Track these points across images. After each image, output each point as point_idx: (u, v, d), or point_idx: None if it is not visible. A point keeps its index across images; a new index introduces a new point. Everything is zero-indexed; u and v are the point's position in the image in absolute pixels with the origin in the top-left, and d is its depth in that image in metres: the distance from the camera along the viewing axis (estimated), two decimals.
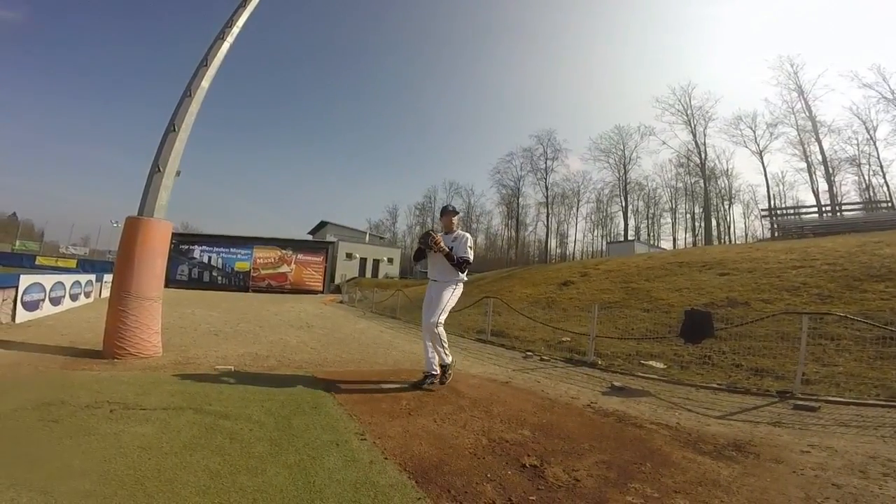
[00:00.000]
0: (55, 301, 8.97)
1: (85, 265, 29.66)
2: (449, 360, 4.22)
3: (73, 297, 10.33)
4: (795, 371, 4.85)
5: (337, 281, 33.31)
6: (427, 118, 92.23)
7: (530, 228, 54.97)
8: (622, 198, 48.43)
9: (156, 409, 3.08)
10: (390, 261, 40.66)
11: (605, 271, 13.73)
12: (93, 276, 12.79)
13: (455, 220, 4.39)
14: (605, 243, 46.93)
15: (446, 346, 4.18)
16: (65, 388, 3.47)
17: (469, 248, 4.21)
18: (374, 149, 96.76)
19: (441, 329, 4.12)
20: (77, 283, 10.77)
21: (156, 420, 2.84)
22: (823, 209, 30.42)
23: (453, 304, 4.25)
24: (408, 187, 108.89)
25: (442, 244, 4.14)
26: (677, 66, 71.85)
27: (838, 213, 27.44)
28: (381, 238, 52.64)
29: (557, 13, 77.51)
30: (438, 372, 4.31)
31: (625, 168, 47.79)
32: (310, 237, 45.04)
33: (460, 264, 4.15)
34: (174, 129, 5.70)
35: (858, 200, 34.44)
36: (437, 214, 4.55)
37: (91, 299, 12.01)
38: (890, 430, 3.51)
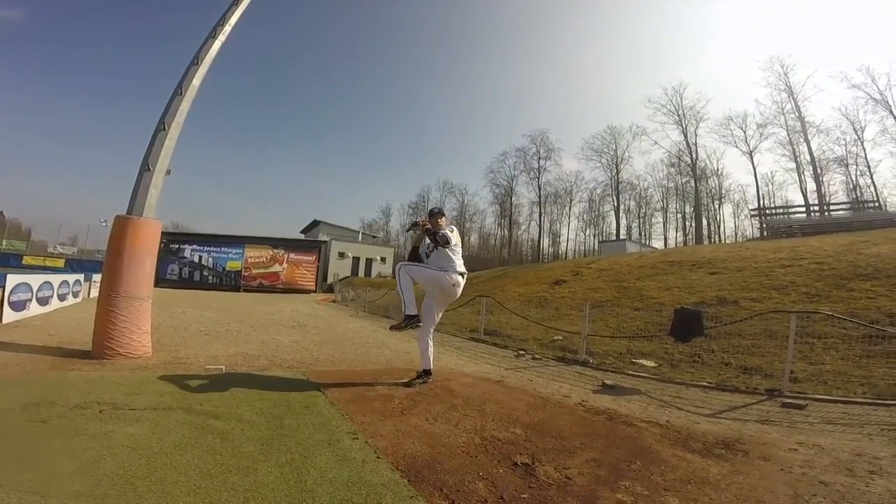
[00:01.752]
0: (43, 301, 8.86)
1: (73, 265, 29.28)
2: (410, 311, 4.14)
3: (62, 297, 10.21)
4: (783, 369, 4.91)
5: (329, 280, 33.14)
6: (421, 117, 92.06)
7: (523, 227, 55.34)
8: (614, 197, 48.87)
9: (146, 409, 3.06)
10: (383, 260, 40.52)
11: (597, 270, 13.81)
12: (81, 276, 12.64)
13: (442, 221, 4.40)
14: (597, 242, 47.22)
15: (404, 292, 4.17)
16: (53, 388, 3.44)
17: (448, 232, 4.24)
18: (367, 148, 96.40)
19: (403, 273, 4.21)
20: (65, 282, 10.65)
21: (146, 420, 2.82)
22: (812, 209, 30.85)
23: (430, 278, 4.27)
24: (401, 186, 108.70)
25: (427, 224, 4.34)
26: (669, 66, 72.21)
27: (826, 213, 27.84)
28: (374, 237, 52.48)
29: (552, 14, 77.73)
30: (431, 368, 4.40)
31: (617, 168, 48.26)
32: (302, 236, 44.80)
33: (434, 234, 4.18)
34: (164, 128, 5.64)
35: (846, 200, 34.93)
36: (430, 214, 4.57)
37: (79, 299, 11.87)
38: (876, 428, 3.57)
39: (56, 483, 1.92)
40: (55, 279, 9.88)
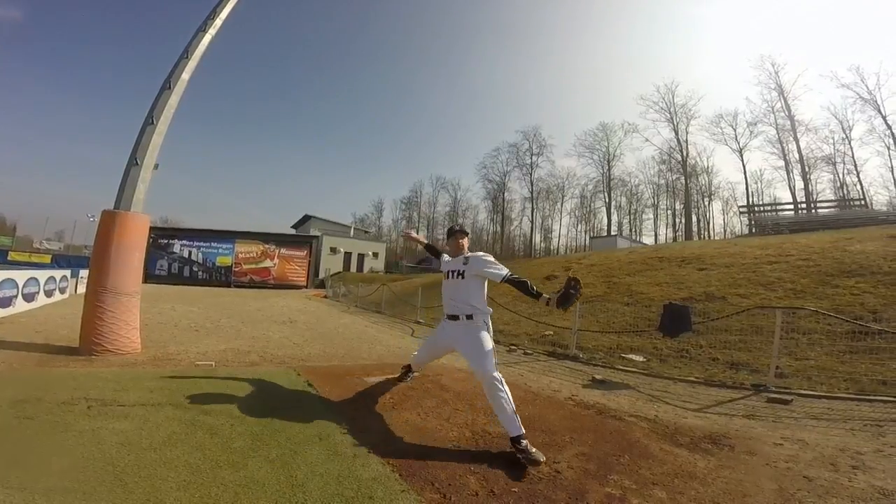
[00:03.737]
0: (28, 297, 8.73)
1: (60, 260, 28.82)
2: (520, 429, 2.67)
3: (48, 294, 10.07)
4: (769, 364, 4.98)
5: (321, 275, 32.99)
6: (414, 112, 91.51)
7: (515, 223, 55.60)
8: (605, 194, 49.18)
9: (134, 405, 3.04)
10: (375, 255, 40.34)
11: (588, 266, 13.86)
12: (68, 272, 12.47)
13: (464, 241, 3.49)
14: (588, 238, 47.54)
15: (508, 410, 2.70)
16: (40, 384, 3.40)
17: (497, 264, 3.25)
18: (359, 142, 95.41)
19: (500, 379, 2.79)
20: (52, 278, 10.50)
21: (134, 416, 2.81)
22: (799, 206, 31.24)
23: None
24: (394, 181, 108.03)
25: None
26: (663, 64, 72.68)
27: (813, 211, 28.19)
28: (367, 232, 52.21)
29: (545, 12, 77.59)
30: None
31: (608, 164, 48.61)
32: (293, 231, 44.51)
33: (518, 284, 3.11)
34: (152, 122, 5.59)
35: (833, 198, 35.39)
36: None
37: (66, 295, 11.71)
38: (858, 424, 3.64)
39: (44, 479, 1.91)
40: (41, 275, 9.75)
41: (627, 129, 47.05)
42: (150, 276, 23.31)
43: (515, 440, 2.60)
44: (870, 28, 53.77)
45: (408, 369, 4.25)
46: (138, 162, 5.42)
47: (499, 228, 54.97)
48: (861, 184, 36.50)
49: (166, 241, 27.13)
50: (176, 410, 2.99)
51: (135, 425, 2.65)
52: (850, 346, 5.32)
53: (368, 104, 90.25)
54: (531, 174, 51.13)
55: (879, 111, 34.44)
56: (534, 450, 2.53)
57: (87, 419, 2.69)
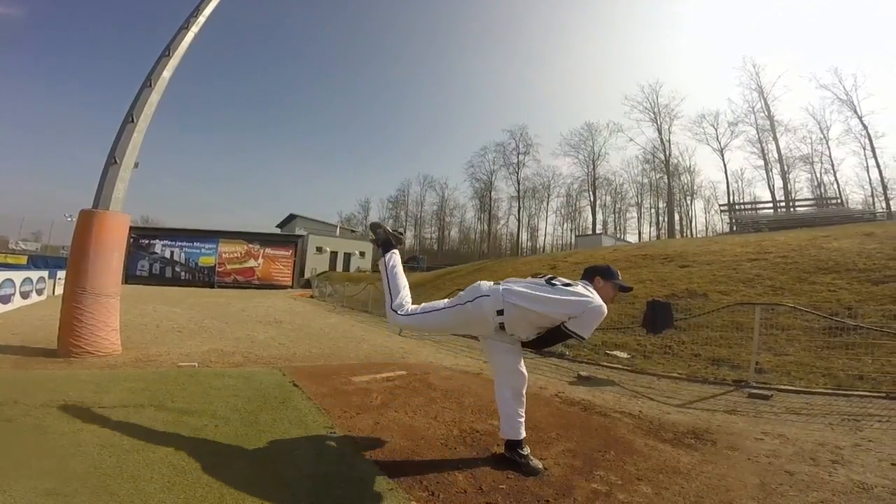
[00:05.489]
0: (4, 299, 8.51)
1: (37, 261, 28.08)
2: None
3: (24, 295, 9.83)
4: (750, 360, 5.09)
5: (307, 275, 32.69)
6: (402, 112, 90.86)
7: (502, 222, 55.84)
8: (591, 192, 49.61)
9: (115, 406, 2.98)
10: (362, 254, 40.07)
11: (573, 264, 13.97)
12: (45, 273, 12.18)
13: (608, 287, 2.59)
14: (573, 236, 47.96)
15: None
16: (17, 387, 3.32)
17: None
18: (346, 141, 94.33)
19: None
20: (28, 279, 10.25)
21: (116, 418, 2.75)
22: (778, 205, 31.88)
23: None
24: (381, 180, 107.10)
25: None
26: (648, 64, 73.40)
27: (791, 209, 28.80)
28: (353, 231, 51.90)
29: (537, 11, 77.85)
30: None
31: (593, 164, 49.04)
32: (278, 230, 44.03)
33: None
34: (132, 120, 5.48)
35: (810, 197, 36.22)
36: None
37: (44, 297, 11.43)
38: (837, 418, 3.73)
39: (24, 481, 1.86)
40: (17, 276, 9.51)
41: (612, 129, 47.57)
42: (130, 278, 22.89)
43: (519, 444, 2.46)
44: (849, 30, 55.11)
45: None
46: (117, 160, 5.31)
47: (486, 227, 55.14)
48: (838, 183, 37.55)
49: (147, 242, 26.61)
50: (158, 412, 2.94)
51: (116, 427, 2.59)
52: (826, 341, 5.46)
53: (356, 103, 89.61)
54: (518, 173, 51.35)
55: (856, 111, 35.38)
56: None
57: (67, 421, 2.63)
